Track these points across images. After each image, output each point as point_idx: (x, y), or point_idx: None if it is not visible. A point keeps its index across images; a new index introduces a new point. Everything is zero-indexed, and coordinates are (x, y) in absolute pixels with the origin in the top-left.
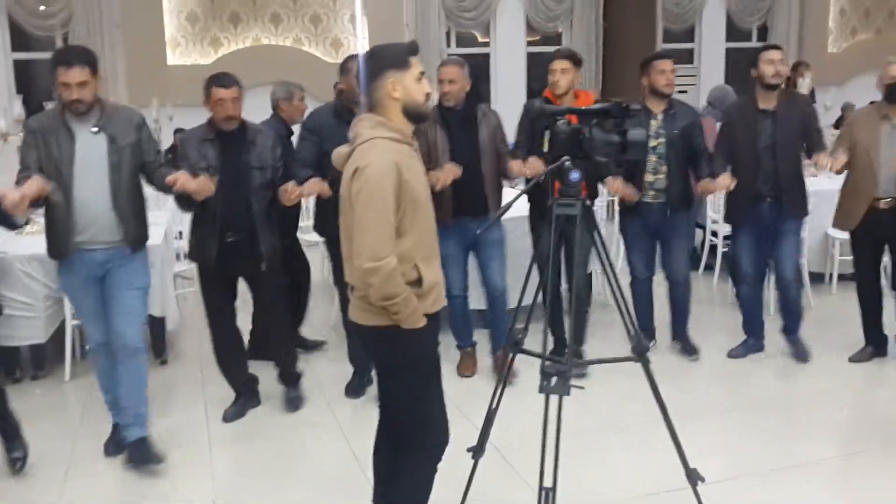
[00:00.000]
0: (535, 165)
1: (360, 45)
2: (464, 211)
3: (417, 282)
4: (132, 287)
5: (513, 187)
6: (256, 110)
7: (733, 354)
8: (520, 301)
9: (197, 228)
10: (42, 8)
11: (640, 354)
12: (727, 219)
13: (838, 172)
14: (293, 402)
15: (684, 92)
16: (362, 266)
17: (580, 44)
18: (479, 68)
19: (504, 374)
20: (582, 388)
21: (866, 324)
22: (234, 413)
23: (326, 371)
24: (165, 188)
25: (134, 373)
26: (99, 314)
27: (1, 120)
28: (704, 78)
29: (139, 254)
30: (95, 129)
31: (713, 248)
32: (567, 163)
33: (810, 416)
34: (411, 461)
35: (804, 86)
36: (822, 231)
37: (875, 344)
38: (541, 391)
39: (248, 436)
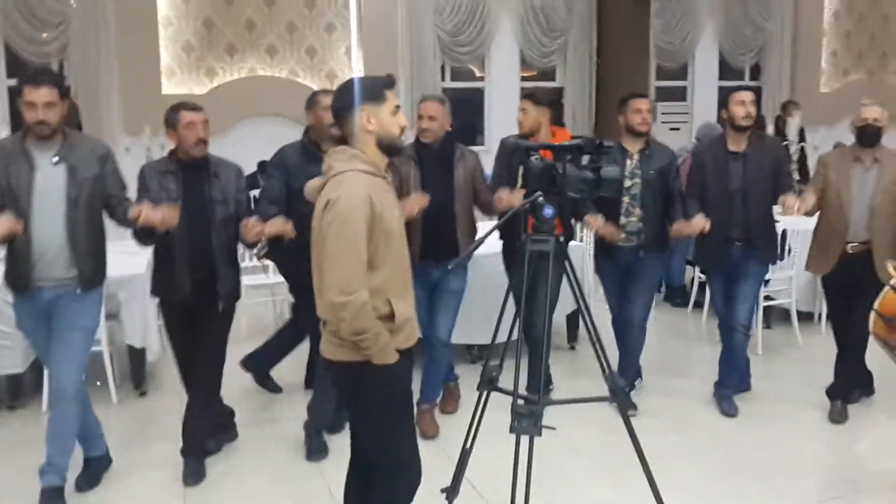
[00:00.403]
0: (516, 197)
1: (356, 77)
2: (430, 254)
3: (390, 316)
4: (75, 328)
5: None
6: (250, 139)
7: (731, 411)
8: (493, 338)
9: (164, 265)
10: (44, 35)
11: (614, 394)
12: (699, 262)
13: (808, 214)
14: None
15: (677, 129)
16: (332, 300)
17: (574, 80)
18: (473, 102)
19: (479, 414)
20: (553, 428)
21: (838, 374)
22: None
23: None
24: (128, 223)
25: (61, 418)
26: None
27: None
28: (697, 115)
29: (90, 294)
30: (56, 160)
31: (702, 285)
32: (540, 199)
33: (796, 459)
34: (382, 499)
35: (793, 125)
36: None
37: (843, 398)
38: (511, 431)
39: (225, 473)
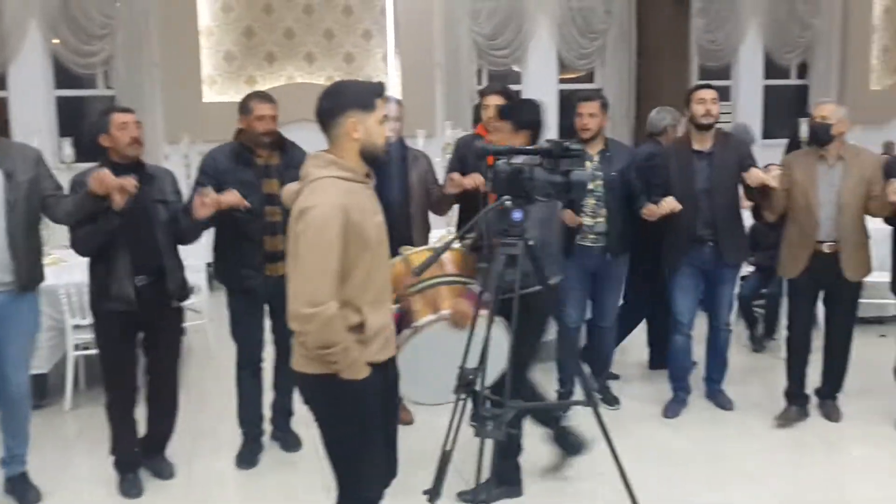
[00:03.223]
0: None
1: (393, 82)
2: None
3: (359, 327)
4: (19, 332)
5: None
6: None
7: (671, 414)
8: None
9: (102, 273)
10: (90, 47)
11: (588, 398)
12: (663, 262)
13: (766, 197)
14: (166, 470)
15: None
16: (299, 311)
17: (613, 82)
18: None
19: (458, 416)
20: (516, 432)
21: (794, 380)
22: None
23: None
24: (69, 215)
25: (14, 419)
26: None
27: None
28: (742, 116)
29: (28, 296)
30: None
31: None
32: (508, 202)
33: (771, 467)
34: None
35: None
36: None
37: (800, 402)
38: (476, 435)
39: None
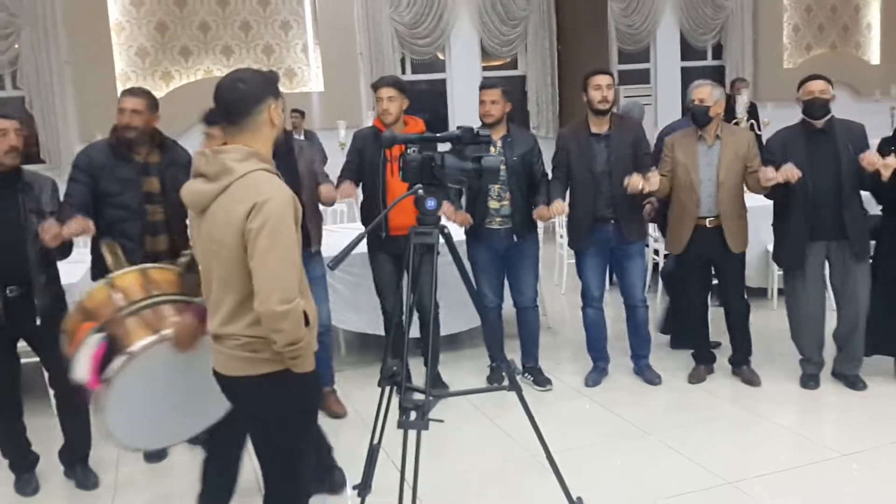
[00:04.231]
0: (346, 191)
1: (314, 74)
2: None
3: (305, 318)
4: None
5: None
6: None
7: (591, 383)
8: (388, 329)
9: None
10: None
11: (512, 383)
12: (570, 244)
13: (658, 194)
14: (90, 480)
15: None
16: (273, 309)
17: (535, 67)
18: (437, 94)
19: (384, 410)
20: (442, 421)
21: (696, 343)
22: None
23: None
24: None
25: None
26: None
27: None
28: (660, 97)
29: None
30: None
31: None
32: (420, 191)
33: (714, 439)
34: None
35: (741, 103)
36: (762, 247)
37: (706, 361)
38: (399, 427)
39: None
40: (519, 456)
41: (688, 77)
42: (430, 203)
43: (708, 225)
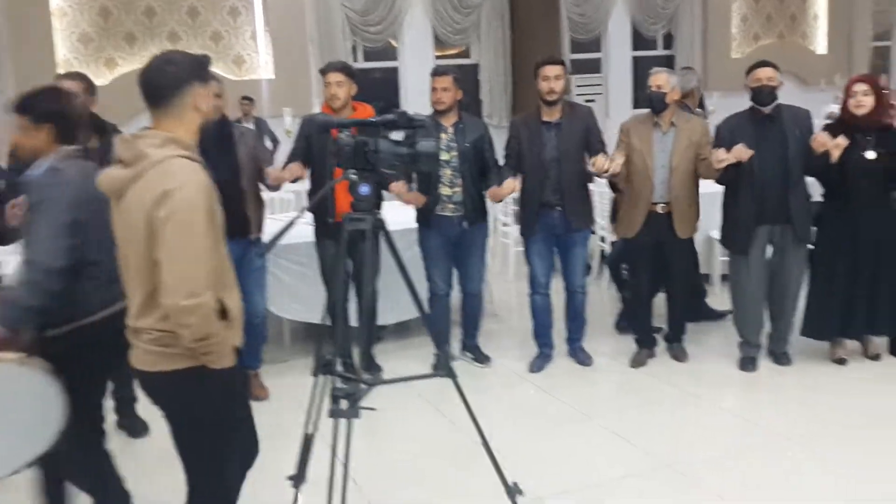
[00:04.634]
0: (293, 169)
1: (263, 61)
2: (225, 232)
3: (221, 313)
4: None
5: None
6: None
7: (535, 369)
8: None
9: None
10: None
11: (448, 370)
12: (521, 231)
13: (614, 176)
14: None
15: (592, 101)
16: (178, 304)
17: (489, 56)
18: (391, 83)
19: (318, 399)
20: (374, 409)
21: (640, 328)
22: None
23: None
24: None
25: None
26: None
27: None
28: (612, 87)
29: None
30: None
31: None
32: (353, 176)
33: (655, 423)
34: None
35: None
36: (706, 233)
37: (648, 345)
38: (330, 416)
39: None
40: (462, 443)
41: (638, 67)
42: (364, 189)
43: (659, 211)
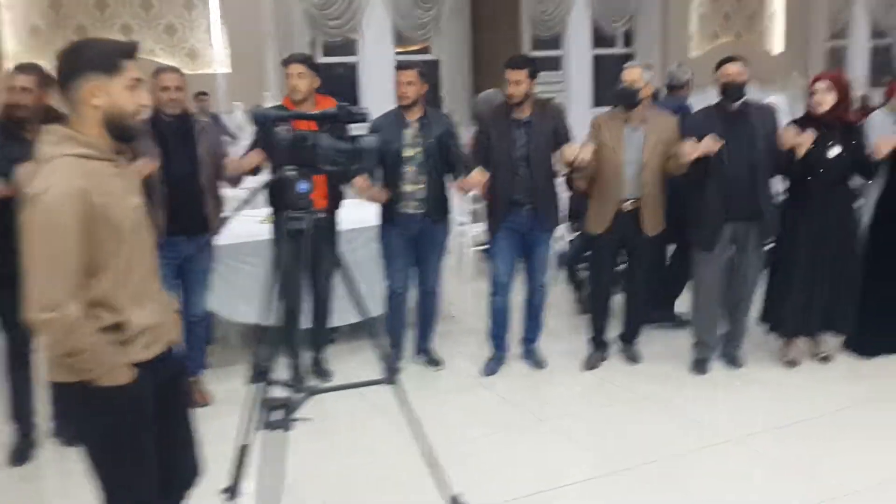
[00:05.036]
0: (253, 157)
1: (219, 55)
2: (179, 229)
3: (116, 327)
4: None
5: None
6: None
7: (489, 372)
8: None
9: None
10: None
11: (391, 376)
12: (487, 228)
13: (581, 170)
14: None
15: (552, 98)
16: (33, 318)
17: (450, 52)
18: (349, 78)
19: (255, 408)
20: (310, 419)
21: (596, 328)
22: None
23: None
24: None
25: None
26: None
27: None
28: (573, 84)
29: None
30: None
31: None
32: (290, 172)
33: (608, 427)
34: None
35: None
36: None
37: (602, 347)
38: (262, 427)
39: None
40: (411, 451)
41: (599, 65)
42: (302, 186)
43: (628, 208)
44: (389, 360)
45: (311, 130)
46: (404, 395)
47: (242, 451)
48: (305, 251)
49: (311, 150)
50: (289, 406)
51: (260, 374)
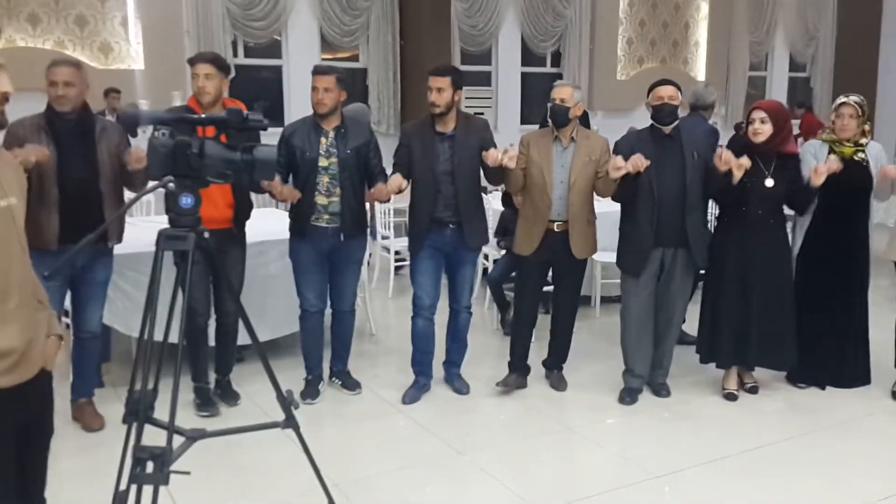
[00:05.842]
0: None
1: (134, 50)
2: (74, 238)
3: None
4: None
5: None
6: (11, 117)
7: (409, 400)
8: (139, 353)
9: None
10: None
11: (287, 420)
12: (409, 247)
13: (508, 191)
14: None
15: (481, 114)
16: None
17: (378, 61)
18: (275, 82)
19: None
20: (188, 473)
21: (517, 351)
22: None
23: None
24: None
25: None
26: None
27: None
28: (501, 100)
29: None
30: None
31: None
32: (171, 184)
33: (529, 460)
34: None
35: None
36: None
37: (521, 371)
38: (131, 482)
39: None
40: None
41: (527, 82)
42: (186, 200)
43: (556, 229)
44: (285, 403)
45: (198, 137)
46: (302, 438)
47: (118, 498)
48: (188, 276)
49: (195, 158)
50: (163, 458)
51: (133, 413)
